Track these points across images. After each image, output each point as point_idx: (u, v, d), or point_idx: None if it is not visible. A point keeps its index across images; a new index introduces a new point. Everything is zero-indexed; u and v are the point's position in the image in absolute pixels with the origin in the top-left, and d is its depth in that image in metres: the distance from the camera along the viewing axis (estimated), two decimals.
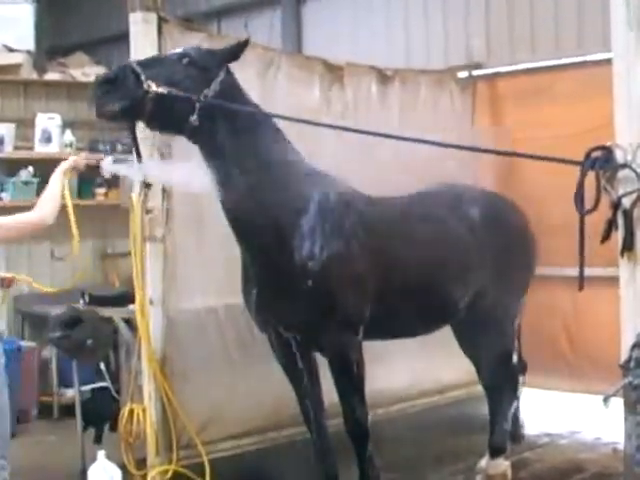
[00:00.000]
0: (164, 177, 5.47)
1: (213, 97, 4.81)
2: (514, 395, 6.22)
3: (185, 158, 5.73)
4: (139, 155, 5.15)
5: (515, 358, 6.15)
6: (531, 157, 4.53)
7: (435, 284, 5.61)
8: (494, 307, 5.88)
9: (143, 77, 4.64)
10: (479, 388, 6.44)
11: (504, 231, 5.96)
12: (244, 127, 4.96)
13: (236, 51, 4.99)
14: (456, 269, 5.70)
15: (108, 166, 5.43)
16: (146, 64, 4.82)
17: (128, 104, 4.65)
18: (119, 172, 5.56)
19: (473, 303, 5.80)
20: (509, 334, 6.08)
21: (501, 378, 6.05)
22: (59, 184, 5.17)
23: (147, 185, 5.44)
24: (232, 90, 4.97)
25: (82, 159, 5.45)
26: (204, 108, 4.78)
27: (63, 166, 5.29)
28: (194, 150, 5.17)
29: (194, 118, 4.77)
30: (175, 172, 5.24)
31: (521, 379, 6.41)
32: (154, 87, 4.62)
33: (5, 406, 4.97)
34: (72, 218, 5.24)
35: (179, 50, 5.00)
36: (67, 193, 5.17)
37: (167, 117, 4.82)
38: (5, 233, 5.02)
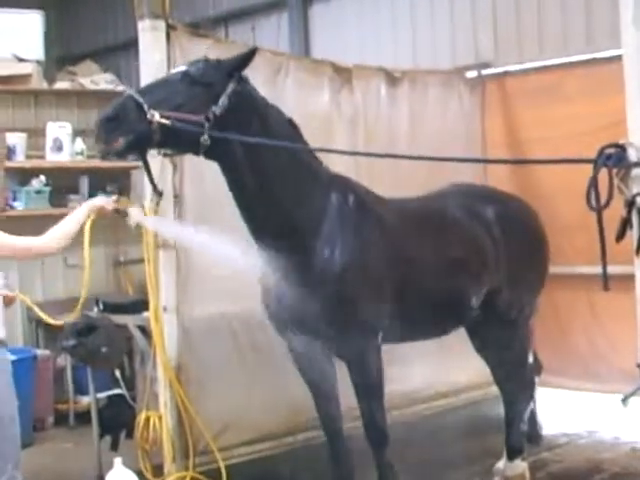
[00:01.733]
0: (189, 239, 5.46)
1: (223, 112, 4.69)
2: (530, 395, 6.20)
3: (197, 169, 5.78)
4: (155, 188, 5.11)
5: (530, 358, 6.13)
6: (544, 162, 4.52)
7: (452, 285, 5.60)
8: (508, 307, 5.87)
9: (146, 107, 4.52)
10: (494, 389, 6.42)
11: (518, 231, 5.96)
12: (258, 136, 4.85)
13: (243, 60, 4.88)
14: (472, 269, 5.69)
15: (136, 216, 5.43)
16: (147, 91, 4.72)
17: (134, 138, 4.55)
18: (145, 225, 5.57)
19: (487, 303, 5.79)
20: (524, 334, 6.06)
21: (516, 378, 6.03)
22: (81, 218, 5.07)
23: (159, 193, 5.43)
24: (245, 100, 4.85)
25: (111, 204, 5.39)
26: (214, 126, 4.68)
27: (92, 202, 5.23)
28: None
29: (205, 138, 4.66)
30: (200, 236, 5.20)
31: (537, 379, 6.39)
32: (157, 117, 4.50)
33: (14, 414, 4.97)
34: (86, 254, 5.20)
35: (181, 69, 4.87)
36: (87, 229, 5.10)
37: (177, 142, 4.77)
38: (4, 254, 4.90)
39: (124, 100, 4.61)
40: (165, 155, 5.09)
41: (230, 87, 4.77)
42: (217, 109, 4.70)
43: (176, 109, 4.61)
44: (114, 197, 5.89)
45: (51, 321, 5.48)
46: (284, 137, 5.03)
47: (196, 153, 4.86)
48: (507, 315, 5.89)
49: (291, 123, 5.14)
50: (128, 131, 4.53)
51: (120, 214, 5.43)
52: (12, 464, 4.85)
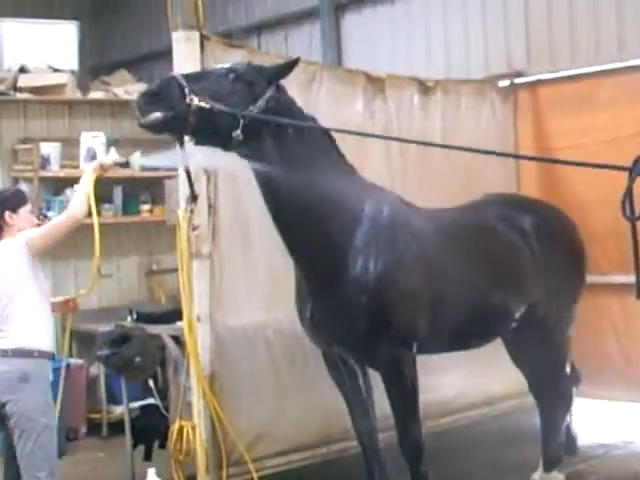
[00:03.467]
0: (192, 161, 5.36)
1: (258, 114, 4.75)
2: (567, 406, 6.14)
3: (231, 179, 5.78)
4: (192, 189, 5.17)
5: (568, 369, 6.08)
6: (579, 164, 4.44)
7: (490, 296, 5.58)
8: (546, 317, 5.84)
9: (187, 90, 4.60)
10: (530, 399, 6.37)
11: (556, 241, 5.94)
12: (292, 142, 4.92)
13: (284, 69, 4.96)
14: (510, 280, 5.67)
15: (137, 160, 5.45)
16: (192, 78, 4.79)
17: (170, 116, 4.61)
18: (148, 164, 5.55)
19: (525, 313, 5.76)
20: (562, 344, 6.03)
21: (553, 389, 5.99)
22: (87, 184, 5.27)
23: (194, 197, 5.40)
24: (281, 107, 4.89)
25: (110, 158, 5.50)
26: (249, 123, 4.73)
27: (91, 165, 5.40)
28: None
29: (237, 133, 4.71)
30: (204, 156, 5.22)
31: (574, 390, 6.33)
32: (196, 101, 4.58)
33: (49, 423, 5.11)
34: (96, 227, 5.30)
35: (227, 65, 4.96)
36: (91, 191, 5.23)
37: (210, 131, 4.78)
38: (42, 240, 5.20)
39: (168, 80, 4.72)
40: (197, 144, 5.08)
41: (269, 92, 4.83)
42: (254, 109, 4.75)
43: (216, 100, 4.66)
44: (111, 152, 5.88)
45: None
46: (319, 147, 5.05)
47: (227, 147, 4.87)
48: (544, 325, 5.86)
49: (326, 134, 5.15)
50: (166, 108, 4.61)
51: (122, 166, 5.47)
52: (45, 472, 4.96)
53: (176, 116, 4.62)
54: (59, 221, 5.28)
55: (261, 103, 4.79)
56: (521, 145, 8.10)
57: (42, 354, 5.08)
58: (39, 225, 5.48)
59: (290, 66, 4.97)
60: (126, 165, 5.45)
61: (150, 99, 4.63)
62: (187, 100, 4.58)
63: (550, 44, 8.51)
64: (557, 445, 6.01)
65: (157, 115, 4.60)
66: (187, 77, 4.75)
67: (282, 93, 4.98)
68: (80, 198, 5.26)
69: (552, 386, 5.99)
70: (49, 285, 5.51)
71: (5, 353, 5.02)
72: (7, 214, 5.17)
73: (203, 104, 4.58)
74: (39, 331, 5.11)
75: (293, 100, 5.08)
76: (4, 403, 4.97)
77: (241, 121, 4.70)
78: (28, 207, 5.33)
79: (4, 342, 5.04)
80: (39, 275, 5.21)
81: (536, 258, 5.76)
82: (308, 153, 4.96)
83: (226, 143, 4.83)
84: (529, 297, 5.74)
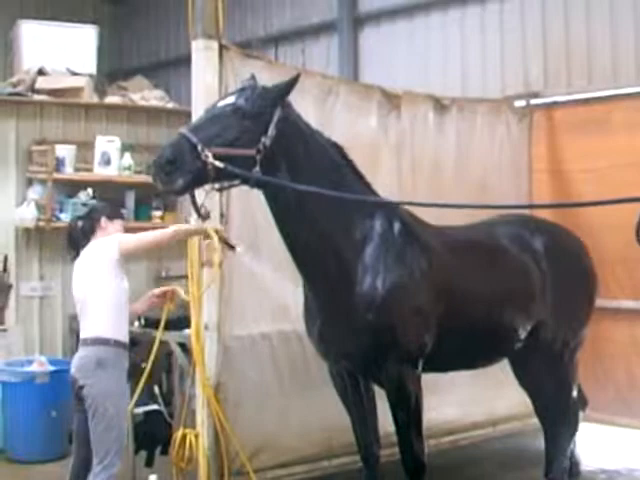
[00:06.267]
0: None
1: (272, 142, 4.77)
2: (573, 430, 6.10)
3: (244, 188, 5.80)
4: (199, 214, 5.10)
5: (575, 392, 6.05)
6: (596, 204, 4.43)
7: (498, 315, 5.57)
8: (553, 339, 5.83)
9: (199, 148, 4.60)
10: (533, 421, 6.35)
11: (567, 263, 5.93)
12: (304, 163, 4.95)
13: (287, 87, 4.94)
14: (519, 300, 5.66)
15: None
16: (200, 128, 4.77)
17: (191, 178, 4.65)
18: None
19: (532, 334, 5.75)
20: (569, 367, 5.99)
21: (560, 412, 5.95)
22: (197, 231, 5.44)
23: (203, 218, 5.41)
24: (290, 127, 4.92)
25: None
26: (265, 157, 4.76)
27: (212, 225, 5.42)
28: None
29: (257, 170, 4.76)
30: None
31: (581, 414, 6.29)
32: (211, 158, 4.59)
33: (121, 409, 5.35)
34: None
35: (230, 100, 4.91)
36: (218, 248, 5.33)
37: (231, 178, 4.85)
38: (135, 244, 5.40)
39: (179, 140, 4.68)
40: (219, 190, 5.13)
41: (277, 115, 4.84)
42: (267, 140, 4.79)
43: (229, 144, 4.69)
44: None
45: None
46: (329, 161, 5.08)
47: (248, 184, 4.93)
48: (552, 347, 5.84)
49: (336, 146, 5.18)
50: (185, 172, 4.62)
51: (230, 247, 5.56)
52: (112, 454, 5.23)
53: (196, 176, 4.66)
54: (153, 236, 5.43)
55: (272, 132, 4.81)
56: (535, 165, 8.11)
57: (118, 344, 5.30)
58: None
59: (292, 83, 4.95)
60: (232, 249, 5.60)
61: (168, 168, 4.62)
62: (202, 157, 4.60)
63: (567, 66, 8.53)
64: (560, 469, 5.97)
65: (180, 183, 4.64)
66: (196, 130, 4.74)
67: (289, 109, 4.98)
68: (182, 233, 5.45)
69: (558, 409, 5.95)
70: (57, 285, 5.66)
71: (85, 342, 5.32)
72: (103, 219, 5.50)
73: (217, 163, 4.60)
74: (116, 323, 5.34)
75: (299, 115, 5.08)
76: (82, 386, 5.26)
77: (257, 157, 4.74)
78: (122, 221, 5.68)
79: (84, 332, 5.34)
80: (121, 274, 5.43)
81: (546, 280, 5.75)
82: (319, 173, 4.97)
83: (247, 180, 4.87)
84: (536, 317, 5.73)
